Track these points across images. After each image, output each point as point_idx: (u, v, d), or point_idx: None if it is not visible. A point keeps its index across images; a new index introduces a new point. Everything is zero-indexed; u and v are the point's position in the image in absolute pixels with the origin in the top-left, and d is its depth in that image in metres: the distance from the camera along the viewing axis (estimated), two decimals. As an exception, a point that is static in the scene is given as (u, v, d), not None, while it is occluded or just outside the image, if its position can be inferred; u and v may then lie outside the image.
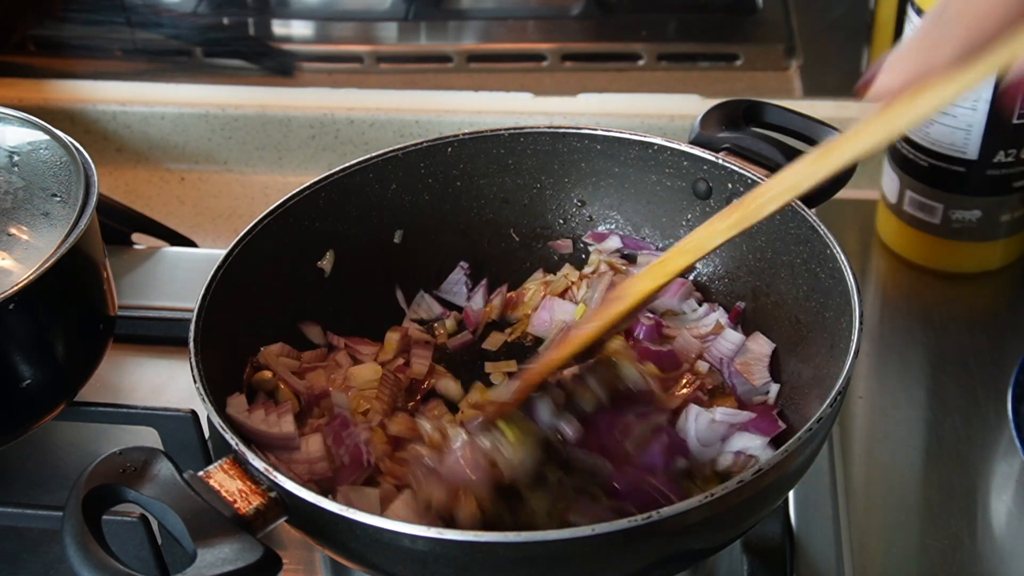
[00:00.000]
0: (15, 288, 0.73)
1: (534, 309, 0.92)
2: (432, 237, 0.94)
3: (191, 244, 1.19)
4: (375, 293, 0.93)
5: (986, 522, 0.84)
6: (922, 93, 0.54)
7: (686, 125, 0.93)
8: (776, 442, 0.78)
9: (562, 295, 0.92)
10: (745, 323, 0.89)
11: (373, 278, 0.93)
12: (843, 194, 0.88)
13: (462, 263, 0.95)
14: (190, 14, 1.38)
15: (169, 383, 0.98)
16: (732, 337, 0.86)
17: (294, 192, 0.87)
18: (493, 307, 0.93)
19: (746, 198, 0.68)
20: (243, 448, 0.66)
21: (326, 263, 0.90)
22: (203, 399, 0.70)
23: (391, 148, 0.91)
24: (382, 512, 0.73)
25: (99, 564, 0.60)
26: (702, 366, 0.86)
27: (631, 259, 0.94)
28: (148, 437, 0.85)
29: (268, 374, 0.82)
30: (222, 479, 0.66)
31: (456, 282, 0.95)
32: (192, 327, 0.75)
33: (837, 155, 0.62)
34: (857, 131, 0.60)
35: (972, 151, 0.99)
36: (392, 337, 0.90)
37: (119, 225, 1.14)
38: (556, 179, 0.95)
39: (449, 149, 0.92)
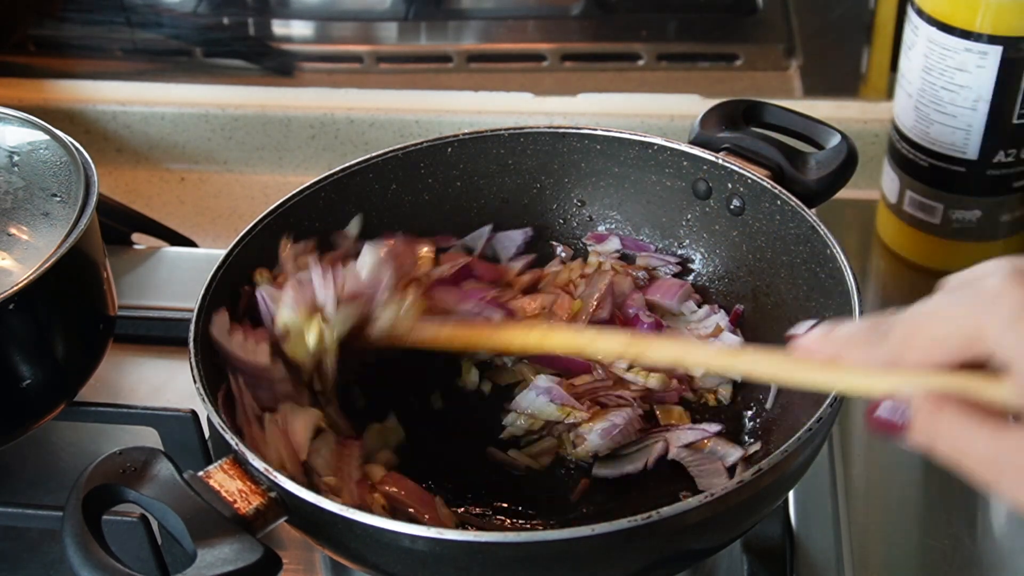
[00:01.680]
0: (15, 288, 0.73)
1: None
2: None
3: (191, 244, 1.19)
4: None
5: (986, 522, 0.84)
6: (831, 369, 0.56)
7: (686, 125, 0.93)
8: (773, 442, 0.78)
9: (564, 288, 0.92)
10: (744, 326, 0.89)
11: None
12: (843, 194, 0.88)
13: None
14: (190, 14, 1.38)
15: (169, 383, 0.98)
16: (731, 341, 0.86)
17: (294, 192, 0.87)
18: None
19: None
20: (243, 448, 0.66)
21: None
22: (203, 399, 0.70)
23: (391, 148, 0.91)
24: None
25: (99, 564, 0.60)
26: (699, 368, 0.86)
27: (630, 260, 0.94)
28: (148, 437, 0.85)
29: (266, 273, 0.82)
30: (222, 479, 0.66)
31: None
32: (192, 327, 0.75)
33: (741, 362, 0.64)
34: (766, 356, 0.61)
35: (972, 151, 0.99)
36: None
37: (119, 225, 1.14)
38: (556, 179, 0.95)
39: (449, 149, 0.92)
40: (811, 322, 0.61)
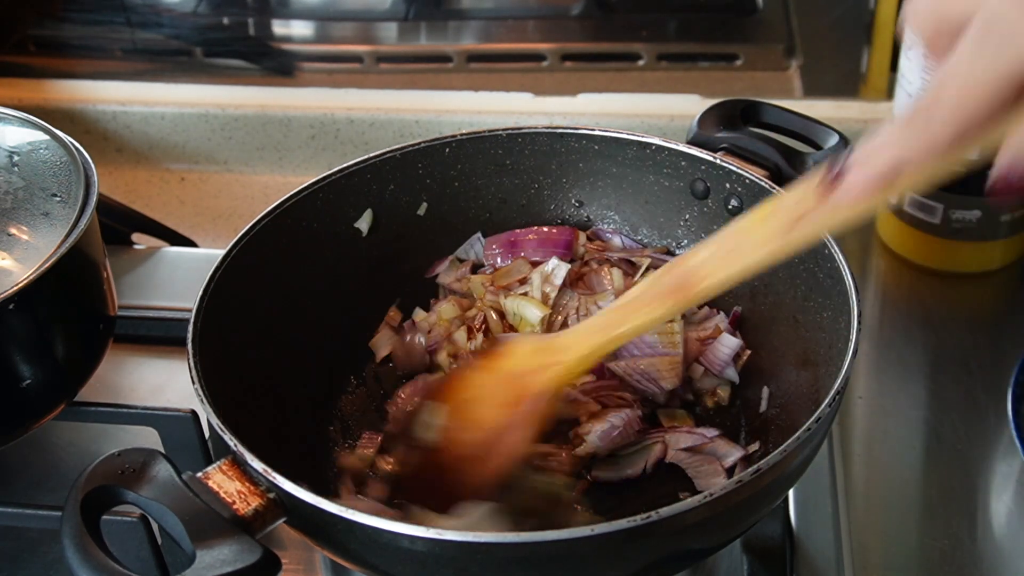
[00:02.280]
0: (15, 288, 0.73)
1: None
2: (430, 238, 0.94)
3: (191, 244, 1.19)
4: (374, 293, 0.93)
5: (986, 522, 0.84)
6: (894, 185, 0.53)
7: (686, 125, 0.93)
8: (772, 442, 0.78)
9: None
10: (743, 326, 0.89)
11: (372, 279, 0.93)
12: (843, 194, 0.88)
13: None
14: (190, 14, 1.38)
15: (169, 383, 0.98)
16: (729, 342, 0.86)
17: (293, 192, 0.87)
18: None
19: (685, 280, 0.68)
20: (242, 449, 0.66)
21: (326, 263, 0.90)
22: (202, 399, 0.70)
23: (389, 148, 0.91)
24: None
25: (97, 565, 0.60)
26: (697, 369, 0.86)
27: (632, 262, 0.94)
28: (148, 437, 0.85)
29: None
30: (221, 480, 0.66)
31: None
32: (191, 327, 0.75)
33: (796, 237, 0.61)
34: (820, 217, 0.59)
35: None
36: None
37: (119, 225, 1.14)
38: (554, 179, 0.95)
39: (447, 149, 0.92)
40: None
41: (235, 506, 0.64)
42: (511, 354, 0.76)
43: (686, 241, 0.93)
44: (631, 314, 0.71)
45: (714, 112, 0.91)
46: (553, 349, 0.74)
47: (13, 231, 0.79)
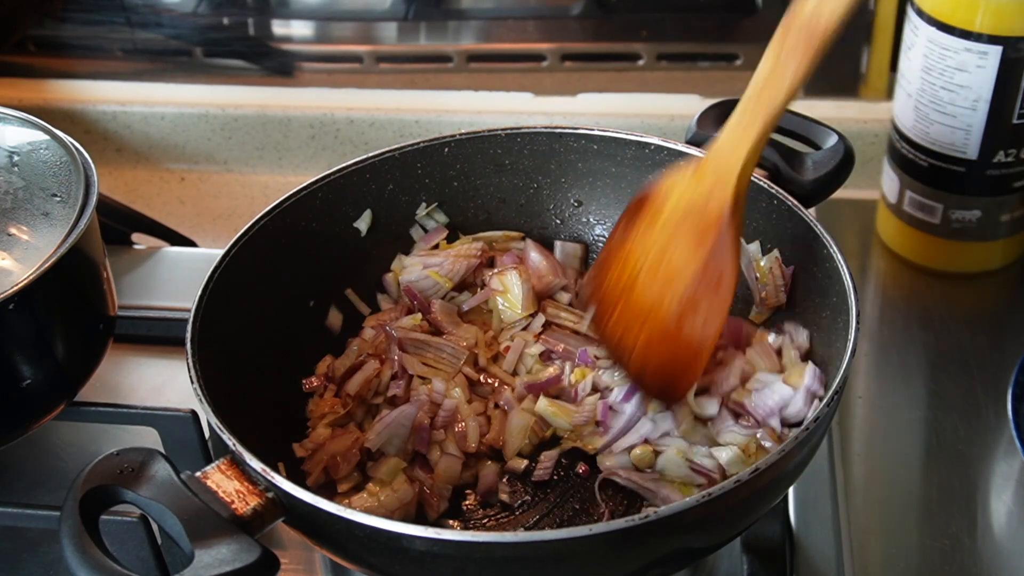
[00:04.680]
0: (15, 288, 0.73)
1: None
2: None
3: (191, 244, 1.19)
4: (373, 292, 0.93)
5: (986, 522, 0.84)
6: None
7: (685, 125, 0.93)
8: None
9: None
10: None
11: (371, 278, 0.93)
12: (843, 194, 0.88)
13: None
14: (190, 14, 1.38)
15: (169, 383, 0.98)
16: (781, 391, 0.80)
17: (291, 192, 0.87)
18: None
19: None
20: (240, 448, 0.66)
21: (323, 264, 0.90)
22: (200, 399, 0.70)
23: (388, 148, 0.91)
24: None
25: (96, 564, 0.60)
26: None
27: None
28: (148, 437, 0.86)
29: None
30: (219, 479, 0.66)
31: None
32: (189, 327, 0.75)
33: None
34: None
35: (972, 151, 0.99)
36: None
37: (119, 225, 1.14)
38: (553, 179, 0.95)
39: (446, 149, 0.93)
40: None
41: (234, 505, 0.64)
42: (670, 192, 0.78)
43: (685, 241, 0.93)
44: (775, 83, 0.74)
45: (713, 112, 0.91)
46: (716, 160, 0.76)
47: (13, 231, 0.79)
